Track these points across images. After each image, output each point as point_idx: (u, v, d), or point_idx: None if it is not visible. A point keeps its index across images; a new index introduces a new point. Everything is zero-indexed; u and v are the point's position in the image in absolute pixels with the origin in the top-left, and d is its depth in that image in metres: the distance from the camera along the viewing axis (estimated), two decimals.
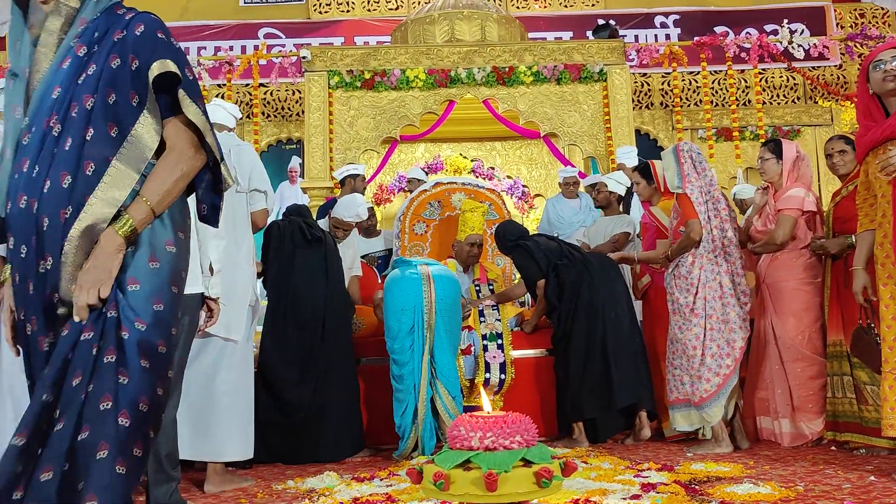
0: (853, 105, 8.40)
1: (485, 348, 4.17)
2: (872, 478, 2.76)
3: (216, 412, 3.01)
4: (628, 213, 5.31)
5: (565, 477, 1.27)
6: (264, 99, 8.99)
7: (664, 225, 4.05)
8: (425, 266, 3.86)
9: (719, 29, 9.12)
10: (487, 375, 4.10)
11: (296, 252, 3.97)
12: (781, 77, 9.26)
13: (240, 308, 3.08)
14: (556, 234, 5.63)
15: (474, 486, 1.22)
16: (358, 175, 5.69)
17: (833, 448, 3.46)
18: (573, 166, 6.69)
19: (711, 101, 8.51)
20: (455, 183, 5.20)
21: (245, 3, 9.41)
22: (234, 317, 3.04)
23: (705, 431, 3.71)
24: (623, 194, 5.23)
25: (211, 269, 2.58)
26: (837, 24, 9.34)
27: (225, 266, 2.88)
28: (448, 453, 1.32)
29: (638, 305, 4.37)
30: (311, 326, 3.84)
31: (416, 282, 3.74)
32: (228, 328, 3.01)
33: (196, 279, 2.56)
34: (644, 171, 4.23)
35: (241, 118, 3.56)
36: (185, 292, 2.49)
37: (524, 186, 8.49)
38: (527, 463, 1.27)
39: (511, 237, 4.33)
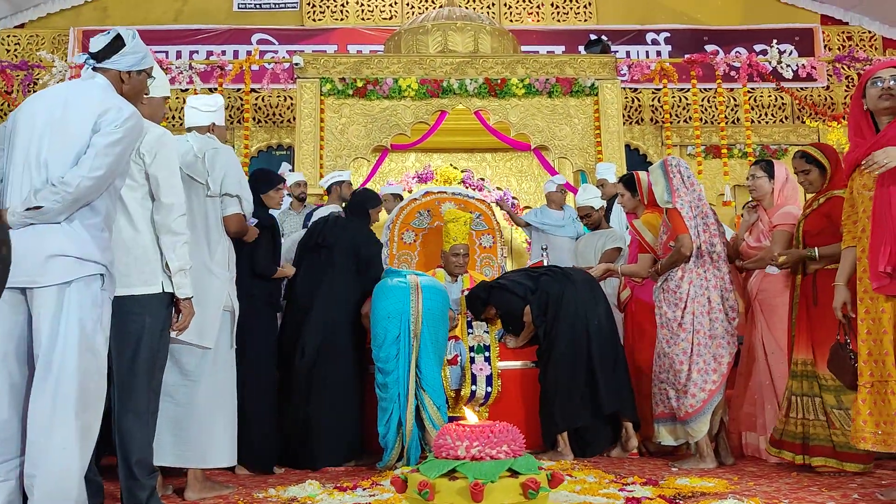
0: (839, 125, 8.49)
1: (472, 360, 4.15)
2: (856, 496, 2.76)
3: (198, 418, 2.97)
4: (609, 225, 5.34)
5: (552, 488, 1.26)
6: (255, 104, 8.97)
7: (645, 240, 4.07)
8: (414, 276, 3.85)
9: (709, 47, 9.21)
10: (473, 388, 4.07)
11: (303, 257, 4.01)
12: (770, 96, 9.35)
13: (212, 314, 3.01)
14: (543, 247, 5.64)
15: (460, 496, 1.20)
16: (343, 181, 5.70)
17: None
18: (557, 174, 6.72)
19: (700, 119, 8.58)
20: (445, 193, 5.19)
21: (239, 8, 9.40)
22: (207, 323, 2.97)
23: (690, 446, 3.71)
24: (604, 206, 5.30)
25: (167, 268, 2.54)
26: (825, 46, 9.47)
27: (196, 271, 2.85)
28: (433, 462, 1.30)
29: (619, 318, 4.38)
30: (295, 336, 3.85)
31: (404, 290, 3.73)
32: (201, 334, 2.94)
33: (154, 277, 2.52)
34: (628, 182, 4.25)
35: (220, 105, 3.41)
36: (142, 292, 2.47)
37: (514, 198, 8.50)
38: (513, 473, 1.26)
39: (481, 289, 4.30)
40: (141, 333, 2.50)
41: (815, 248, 3.33)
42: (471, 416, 1.40)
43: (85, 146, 2.21)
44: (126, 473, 2.49)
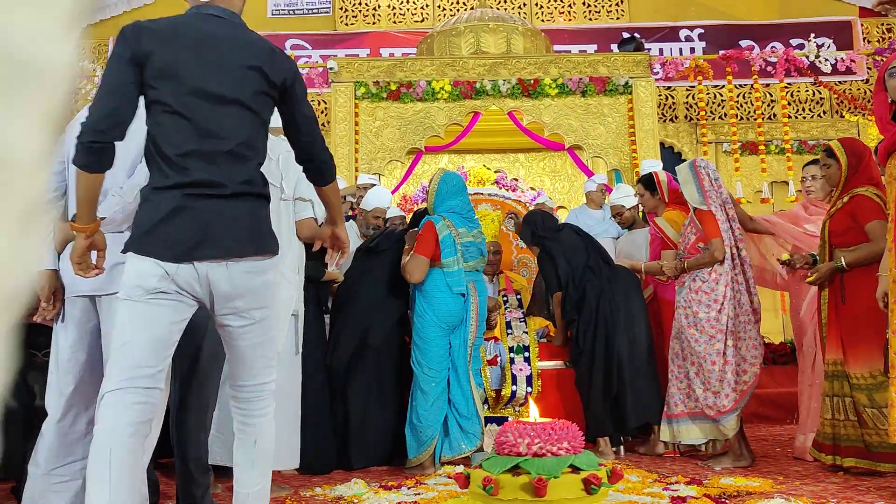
0: None
1: (511, 360, 4.17)
2: None
3: None
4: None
5: (612, 484, 1.28)
6: None
7: (668, 237, 4.08)
8: (474, 289, 3.79)
9: (744, 43, 9.09)
10: (514, 388, 4.10)
11: (356, 258, 4.04)
12: (807, 91, 9.20)
13: (283, 319, 3.04)
14: None
15: (523, 491, 1.23)
16: (373, 186, 5.73)
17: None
18: (592, 174, 6.70)
19: (736, 115, 8.46)
20: (481, 194, 5.22)
21: (273, 14, 9.54)
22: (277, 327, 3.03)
23: (715, 445, 3.76)
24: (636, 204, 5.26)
25: None
26: (864, 39, 9.29)
27: None
28: (496, 458, 1.33)
29: None
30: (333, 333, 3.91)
31: (465, 319, 3.72)
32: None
33: None
34: (648, 182, 4.26)
35: None
36: None
37: (548, 198, 8.49)
38: (574, 469, 1.28)
39: (538, 230, 4.27)
40: (204, 332, 2.55)
41: (843, 258, 3.27)
42: (534, 408, 1.43)
43: (139, 156, 2.27)
44: (182, 471, 2.56)
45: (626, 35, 8.09)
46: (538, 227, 4.29)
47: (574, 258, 4.15)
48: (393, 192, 7.64)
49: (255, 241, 1.89)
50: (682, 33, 9.44)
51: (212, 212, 1.82)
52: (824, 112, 9.16)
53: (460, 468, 3.57)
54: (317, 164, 2.11)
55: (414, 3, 9.70)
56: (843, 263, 3.27)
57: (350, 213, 5.68)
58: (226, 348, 2.02)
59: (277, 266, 2.10)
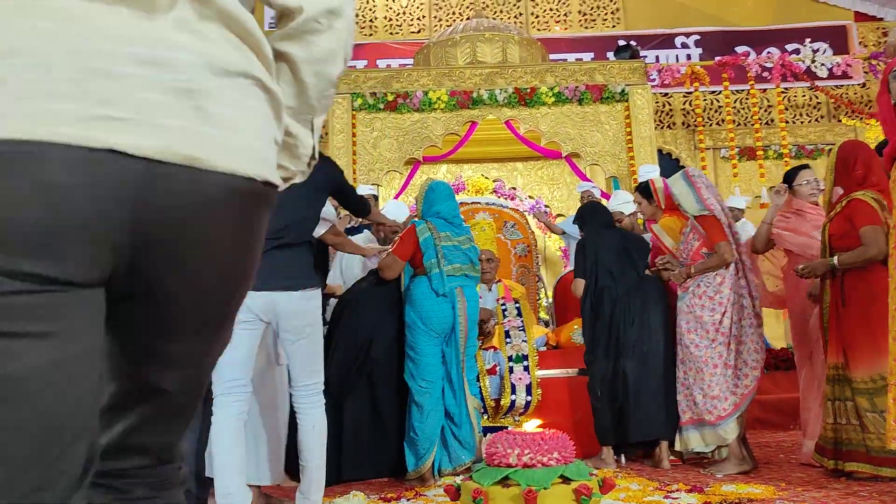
0: (878, 123, 8.33)
1: (510, 370, 4.16)
2: None
3: (251, 435, 3.00)
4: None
5: (603, 494, 1.26)
6: None
7: (665, 244, 4.06)
8: (462, 295, 3.77)
9: (740, 49, 9.12)
10: (513, 397, 4.08)
11: (369, 272, 4.00)
12: (804, 96, 9.22)
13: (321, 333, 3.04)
14: None
15: (513, 503, 1.22)
16: (369, 196, 5.73)
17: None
18: (589, 181, 6.70)
19: (734, 121, 8.48)
20: (479, 203, 5.22)
21: (270, 26, 9.58)
22: None
23: (718, 452, 3.74)
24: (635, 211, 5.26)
25: None
26: (860, 43, 9.31)
27: None
28: (486, 470, 1.32)
29: None
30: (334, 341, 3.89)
31: (453, 321, 3.70)
32: None
33: None
34: (644, 190, 4.26)
35: None
36: None
37: (546, 206, 8.49)
38: (565, 480, 1.27)
39: (582, 219, 4.35)
40: None
41: (836, 257, 3.28)
42: (532, 424, 1.42)
43: None
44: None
45: (621, 43, 8.12)
46: (587, 217, 4.33)
47: (602, 259, 4.10)
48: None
49: (306, 276, 2.75)
50: (678, 40, 9.46)
51: (281, 255, 2.62)
52: (822, 117, 9.17)
53: (460, 479, 3.58)
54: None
55: (410, 14, 9.74)
56: (836, 262, 3.27)
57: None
58: (287, 358, 2.77)
59: (319, 296, 2.78)
